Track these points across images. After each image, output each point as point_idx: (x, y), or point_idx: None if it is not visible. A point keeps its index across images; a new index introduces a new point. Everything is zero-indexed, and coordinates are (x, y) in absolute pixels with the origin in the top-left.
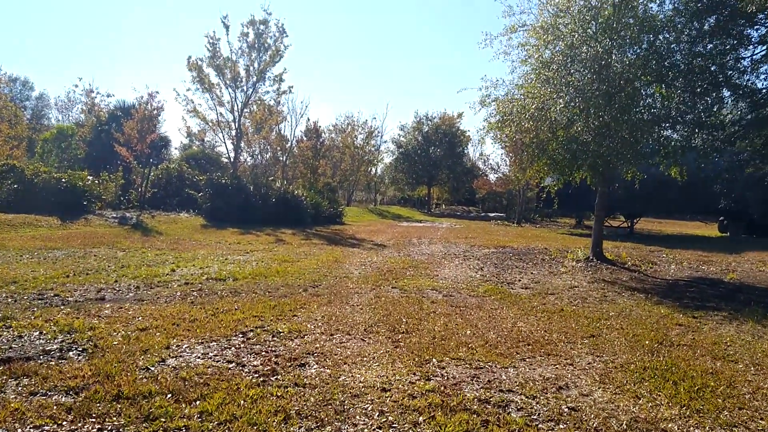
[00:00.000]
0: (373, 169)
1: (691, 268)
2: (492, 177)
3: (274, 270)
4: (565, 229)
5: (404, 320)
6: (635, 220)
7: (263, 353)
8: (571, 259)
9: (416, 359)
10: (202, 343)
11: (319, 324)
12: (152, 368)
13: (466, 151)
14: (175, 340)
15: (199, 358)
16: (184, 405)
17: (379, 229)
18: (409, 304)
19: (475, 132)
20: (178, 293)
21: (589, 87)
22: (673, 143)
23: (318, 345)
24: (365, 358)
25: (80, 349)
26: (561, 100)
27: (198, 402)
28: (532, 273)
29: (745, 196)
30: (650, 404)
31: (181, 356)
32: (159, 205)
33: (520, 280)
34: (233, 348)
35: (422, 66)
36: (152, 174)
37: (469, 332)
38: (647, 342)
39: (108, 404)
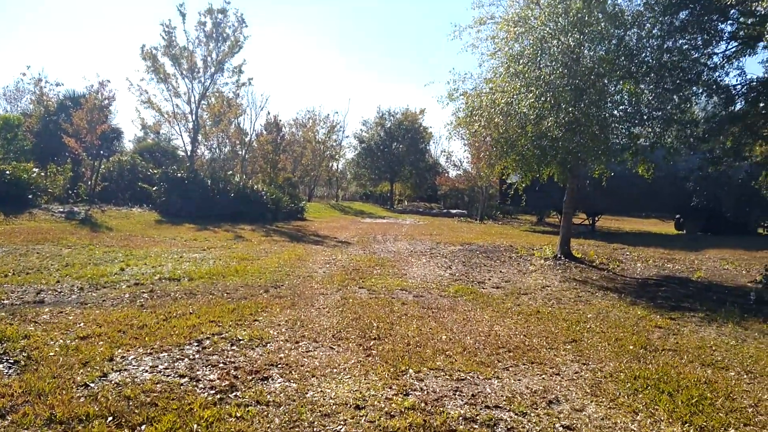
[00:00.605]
0: (335, 165)
1: (657, 267)
2: (453, 173)
3: (232, 269)
4: (527, 226)
5: (375, 324)
6: (596, 218)
7: (221, 365)
8: (539, 257)
9: (391, 370)
10: (151, 353)
11: (283, 330)
12: (92, 385)
13: (428, 148)
14: (120, 351)
15: (146, 371)
16: (126, 431)
17: (342, 226)
18: (379, 306)
19: (443, 127)
20: (127, 295)
21: (560, 81)
22: (641, 140)
23: (282, 354)
24: (335, 370)
25: (11, 361)
26: (531, 95)
27: (143, 427)
28: (501, 271)
29: (717, 195)
30: (650, 420)
31: (126, 370)
32: (110, 199)
33: (490, 279)
34: (187, 359)
35: (384, 61)
36: (103, 167)
37: (444, 337)
38: (631, 347)
39: (38, 430)
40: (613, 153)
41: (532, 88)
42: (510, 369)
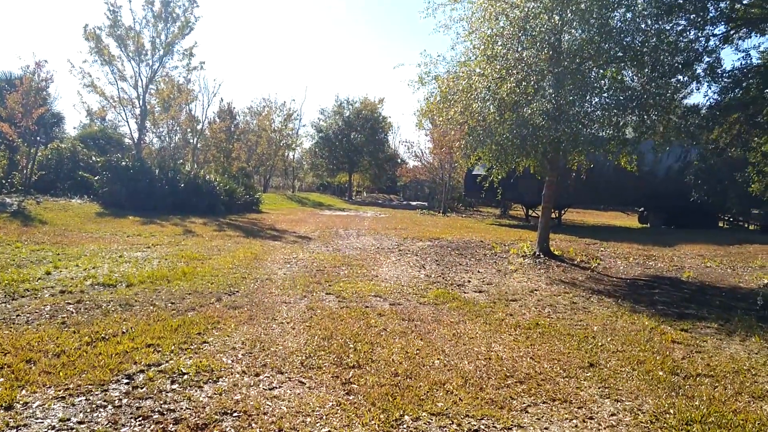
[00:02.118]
0: (291, 154)
1: (639, 265)
2: (412, 164)
3: (180, 271)
4: (491, 219)
5: (351, 345)
6: (563, 211)
7: (155, 417)
8: (516, 255)
9: (382, 417)
10: (65, 397)
11: (240, 355)
12: None
13: (388, 138)
14: (24, 393)
15: (52, 429)
16: None
17: (300, 219)
18: (353, 318)
19: (413, 114)
20: (48, 307)
21: (543, 65)
22: (628, 129)
23: (239, 395)
24: (308, 418)
25: None
26: (512, 78)
27: None
28: (479, 272)
29: (719, 190)
30: None
31: (25, 426)
32: (48, 189)
33: (469, 281)
34: (110, 406)
35: (343, 49)
36: (40, 154)
37: (438, 362)
38: (660, 373)
39: None
40: (599, 143)
41: (514, 71)
42: (530, 411)
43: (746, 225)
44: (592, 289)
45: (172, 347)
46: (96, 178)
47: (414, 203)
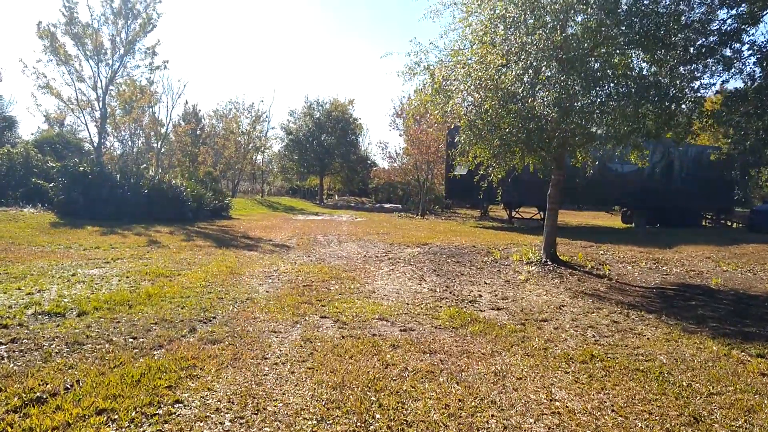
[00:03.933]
0: (260, 158)
1: (652, 270)
2: (386, 165)
3: (143, 292)
4: (472, 221)
5: (373, 398)
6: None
7: None
8: (520, 262)
9: None
10: None
11: (227, 423)
12: None
13: (359, 140)
14: None
15: None
16: None
17: (274, 225)
18: (362, 353)
19: (406, 106)
20: None
21: (551, 52)
22: (651, 120)
23: None
24: None
25: None
26: (520, 64)
27: None
28: (486, 283)
29: (706, 189)
30: None
31: None
32: None
33: (481, 295)
34: None
35: (312, 49)
36: None
37: (494, 422)
38: None
39: None
40: (620, 137)
41: (516, 58)
42: None
43: (729, 224)
44: (621, 302)
45: (133, 414)
46: (51, 185)
47: (387, 206)
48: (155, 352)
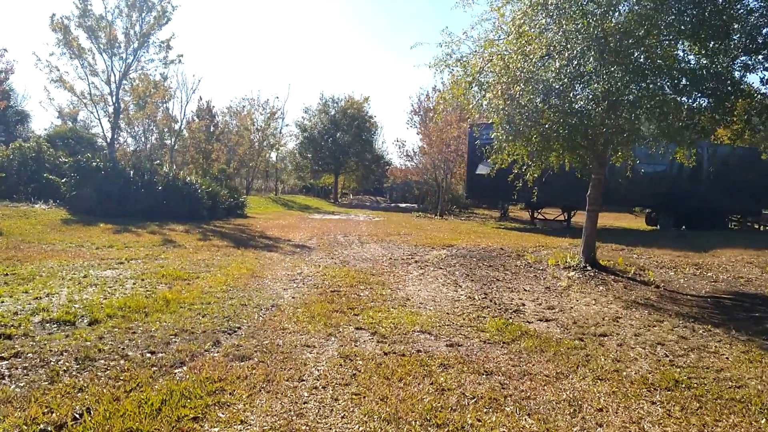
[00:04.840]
0: (274, 155)
1: (697, 276)
2: (403, 164)
3: (160, 297)
4: (493, 222)
5: None
6: (572, 213)
7: None
8: (557, 266)
9: None
10: None
11: None
12: None
13: (374, 138)
14: None
15: None
16: None
17: (291, 224)
18: (410, 374)
19: (434, 101)
20: None
21: (598, 42)
22: (707, 116)
23: None
24: None
25: None
26: (558, 57)
27: None
28: (525, 290)
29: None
30: None
31: None
32: (9, 193)
33: (524, 304)
34: None
35: (327, 44)
36: (1, 154)
37: None
38: None
39: None
40: (673, 134)
41: (569, 44)
42: None
43: (757, 226)
44: (680, 313)
45: None
46: (63, 180)
47: (403, 205)
48: (177, 371)
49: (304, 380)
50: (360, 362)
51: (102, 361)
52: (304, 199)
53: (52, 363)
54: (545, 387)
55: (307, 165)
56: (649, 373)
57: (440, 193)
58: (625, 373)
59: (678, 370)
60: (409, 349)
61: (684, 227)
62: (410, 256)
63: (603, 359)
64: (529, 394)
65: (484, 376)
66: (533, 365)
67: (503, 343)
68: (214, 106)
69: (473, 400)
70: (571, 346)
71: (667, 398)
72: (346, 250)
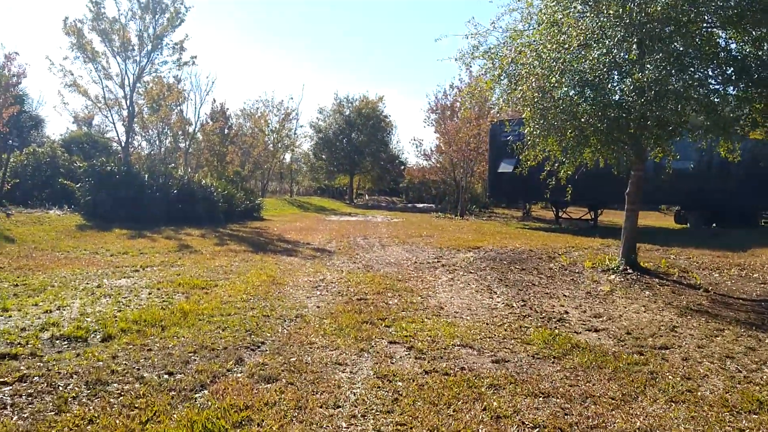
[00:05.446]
0: (288, 156)
1: (743, 278)
2: (420, 163)
3: (177, 309)
4: (515, 222)
5: None
6: (599, 211)
7: None
8: (594, 269)
9: None
10: None
11: None
12: None
13: (391, 138)
14: None
15: None
16: None
17: (308, 226)
18: (458, 399)
19: (466, 94)
20: None
21: (637, 30)
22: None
23: None
24: None
25: None
26: (596, 46)
27: None
28: (564, 295)
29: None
30: None
31: None
32: (24, 199)
33: (567, 312)
34: None
35: (341, 44)
36: (14, 160)
37: None
38: None
39: None
40: (724, 126)
41: (609, 32)
42: None
43: None
44: (738, 320)
45: None
46: (78, 185)
47: (420, 205)
48: (197, 396)
49: (340, 406)
50: (400, 383)
51: (115, 385)
52: (320, 200)
53: (61, 388)
54: (613, 412)
55: (322, 166)
56: (727, 393)
57: (459, 192)
58: (699, 394)
59: (757, 388)
60: (451, 366)
61: (714, 225)
62: (436, 260)
63: (671, 377)
64: (596, 421)
65: (541, 399)
66: (594, 385)
67: (553, 357)
68: (228, 108)
69: (536, 431)
70: (631, 361)
71: (755, 424)
72: (368, 253)
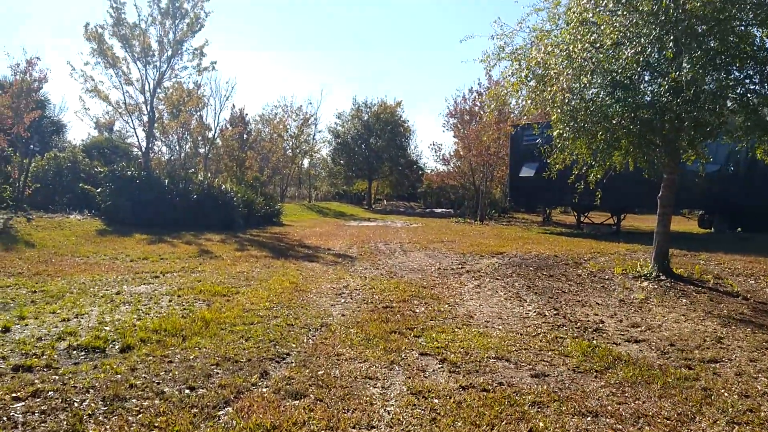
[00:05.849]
0: (306, 162)
1: None
2: (439, 168)
3: (199, 317)
4: (536, 227)
5: None
6: (622, 216)
7: None
8: (625, 275)
9: None
10: None
11: None
12: None
13: (409, 142)
14: None
15: None
16: None
17: (328, 231)
18: (500, 419)
19: (490, 97)
20: None
21: (672, 27)
22: None
23: None
24: None
25: None
26: (629, 45)
27: None
28: (597, 303)
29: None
30: None
31: None
32: (45, 204)
33: (602, 321)
34: None
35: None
36: (36, 165)
37: None
38: None
39: None
40: (763, 125)
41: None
42: None
43: None
44: None
45: None
46: (98, 190)
47: (438, 210)
48: (221, 413)
49: (374, 427)
50: (436, 400)
51: (134, 401)
52: (339, 205)
53: (76, 405)
54: None
55: (341, 171)
56: None
57: (479, 197)
58: (763, 414)
59: None
60: (488, 381)
61: (740, 229)
62: (460, 266)
63: (727, 394)
64: None
65: (590, 419)
66: (644, 403)
67: (596, 371)
68: (247, 114)
69: None
70: (680, 376)
71: None
72: (390, 259)
